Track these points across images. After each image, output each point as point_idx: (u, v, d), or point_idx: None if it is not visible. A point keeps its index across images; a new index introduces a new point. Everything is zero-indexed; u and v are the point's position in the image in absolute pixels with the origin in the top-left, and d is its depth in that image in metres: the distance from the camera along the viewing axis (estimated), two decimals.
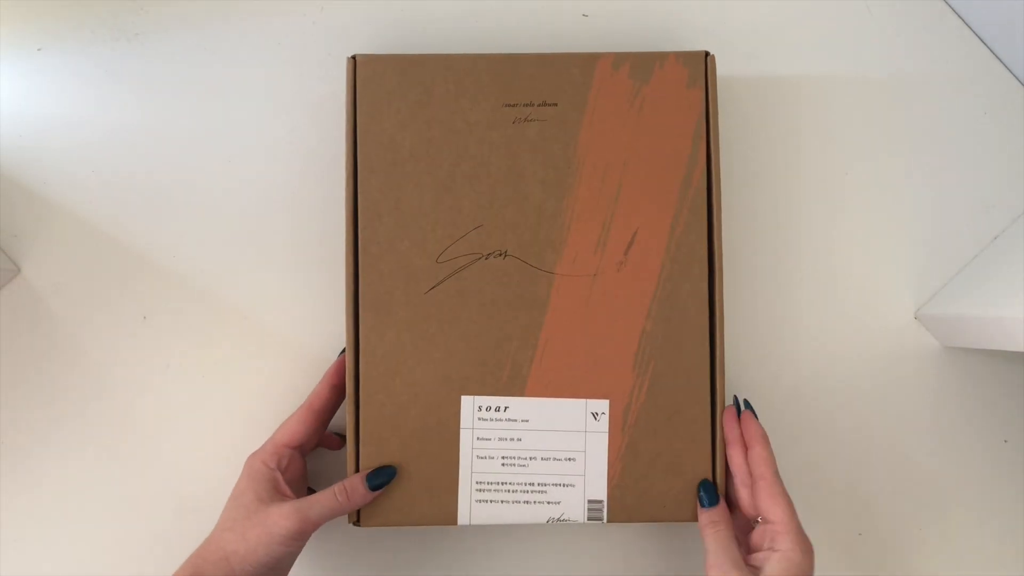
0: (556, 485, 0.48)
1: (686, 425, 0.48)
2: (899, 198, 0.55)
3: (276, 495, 0.45)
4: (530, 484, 0.48)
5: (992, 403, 0.55)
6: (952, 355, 0.55)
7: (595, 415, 0.48)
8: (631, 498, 0.48)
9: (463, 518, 0.48)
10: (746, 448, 0.47)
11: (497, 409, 0.48)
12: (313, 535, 0.53)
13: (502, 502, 0.48)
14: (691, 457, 0.48)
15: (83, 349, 0.53)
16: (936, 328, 0.54)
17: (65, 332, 0.53)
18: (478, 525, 0.49)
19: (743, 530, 0.47)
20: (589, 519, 0.48)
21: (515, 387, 0.48)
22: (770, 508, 0.44)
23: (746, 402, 0.48)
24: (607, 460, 0.48)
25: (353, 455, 0.48)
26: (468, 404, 0.48)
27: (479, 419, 0.48)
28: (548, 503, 0.48)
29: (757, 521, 0.45)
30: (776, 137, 0.55)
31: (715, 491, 0.47)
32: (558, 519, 0.48)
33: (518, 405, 0.48)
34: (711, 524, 0.45)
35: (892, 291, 0.55)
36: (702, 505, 0.47)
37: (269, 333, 0.54)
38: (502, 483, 0.48)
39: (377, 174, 0.49)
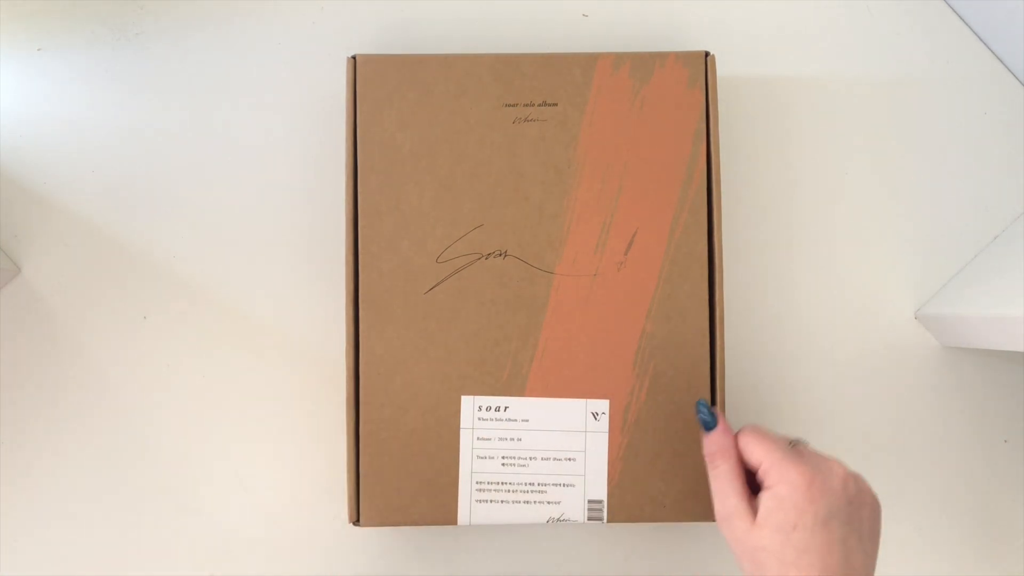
0: (556, 485, 0.48)
1: (686, 425, 0.48)
2: (899, 198, 0.55)
3: None
4: (530, 484, 0.48)
5: (992, 403, 0.55)
6: (952, 355, 0.55)
7: (595, 415, 0.48)
8: (631, 498, 0.48)
9: (463, 518, 0.48)
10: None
11: (497, 409, 0.48)
12: (312, 535, 0.53)
13: (502, 502, 0.48)
14: (691, 457, 0.48)
15: (83, 349, 0.53)
16: (936, 328, 0.54)
17: (65, 332, 0.53)
18: (478, 525, 0.49)
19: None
20: (589, 519, 0.48)
21: (515, 387, 0.48)
22: (752, 453, 0.42)
23: (708, 411, 0.45)
24: (607, 460, 0.48)
25: (353, 455, 0.48)
26: (468, 404, 0.48)
27: (479, 419, 0.48)
28: (548, 503, 0.48)
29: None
30: (776, 137, 0.55)
31: (710, 411, 0.45)
32: (558, 519, 0.48)
33: (518, 405, 0.48)
34: (710, 458, 0.43)
35: (892, 291, 0.55)
36: (705, 429, 0.44)
37: (269, 333, 0.54)
38: (502, 483, 0.48)
39: (377, 174, 0.49)
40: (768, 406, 0.54)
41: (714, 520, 0.48)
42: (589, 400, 0.48)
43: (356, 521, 0.48)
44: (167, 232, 0.54)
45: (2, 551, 0.52)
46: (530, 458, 0.48)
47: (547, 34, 0.55)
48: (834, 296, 0.55)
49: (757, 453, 0.42)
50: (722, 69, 0.52)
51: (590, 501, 0.48)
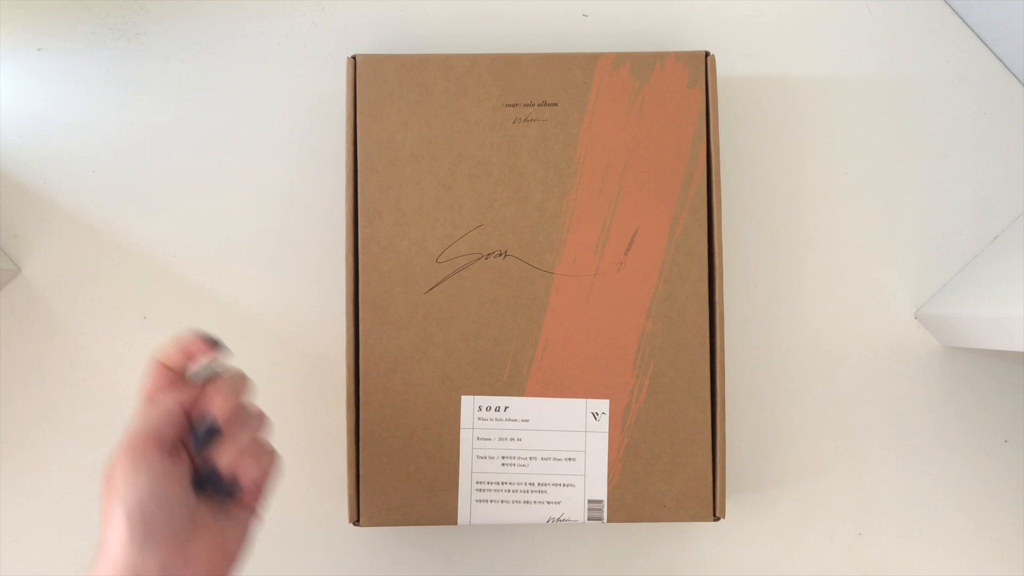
0: (556, 485, 0.48)
1: (686, 425, 0.48)
2: (899, 198, 0.55)
3: None
4: (530, 484, 0.48)
5: (992, 403, 0.54)
6: (952, 355, 0.55)
7: (595, 415, 0.48)
8: (631, 498, 0.48)
9: (463, 518, 0.48)
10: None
11: (497, 409, 0.48)
12: (312, 534, 0.53)
13: (502, 502, 0.48)
14: (691, 457, 0.48)
15: (83, 349, 0.53)
16: (936, 328, 0.54)
17: (65, 332, 0.53)
18: (478, 525, 0.49)
19: None
20: (589, 519, 0.48)
21: (515, 387, 0.48)
22: None
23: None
24: (607, 460, 0.48)
25: (353, 455, 0.48)
26: (468, 404, 0.48)
27: (479, 419, 0.48)
28: (548, 503, 0.48)
29: None
30: (776, 137, 0.55)
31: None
32: (558, 519, 0.48)
33: (518, 405, 0.48)
34: None
35: (892, 291, 0.55)
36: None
37: (269, 333, 0.54)
38: (502, 483, 0.48)
39: (377, 174, 0.49)
40: (768, 406, 0.54)
41: (713, 520, 0.48)
42: (589, 400, 0.48)
43: (356, 521, 0.48)
44: (167, 232, 0.54)
45: (2, 551, 0.52)
46: (530, 458, 0.48)
47: (547, 34, 0.55)
48: (834, 296, 0.55)
49: None
50: (722, 69, 0.52)
51: (590, 501, 0.48)
